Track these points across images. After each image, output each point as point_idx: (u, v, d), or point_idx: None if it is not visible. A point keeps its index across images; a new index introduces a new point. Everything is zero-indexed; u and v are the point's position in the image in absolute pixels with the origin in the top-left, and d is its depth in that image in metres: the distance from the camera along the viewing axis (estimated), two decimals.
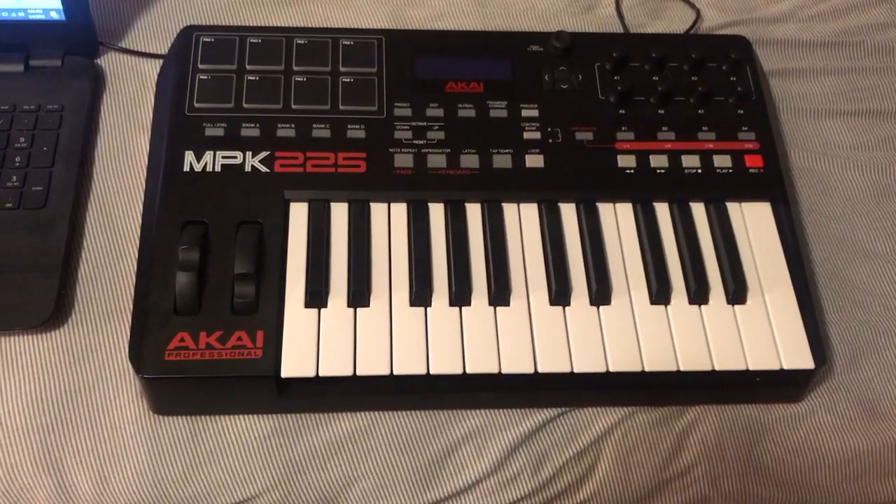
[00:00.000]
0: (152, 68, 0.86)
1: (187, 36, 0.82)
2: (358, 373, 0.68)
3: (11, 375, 0.70)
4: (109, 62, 0.87)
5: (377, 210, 0.75)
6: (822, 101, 0.92)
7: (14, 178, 0.77)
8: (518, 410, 0.72)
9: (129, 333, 0.69)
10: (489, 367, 0.69)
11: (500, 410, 0.72)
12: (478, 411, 0.72)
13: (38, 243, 0.74)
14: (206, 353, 0.67)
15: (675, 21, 0.96)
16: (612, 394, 0.73)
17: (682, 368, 0.70)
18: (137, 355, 0.66)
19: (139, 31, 0.89)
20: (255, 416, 0.71)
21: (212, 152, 0.75)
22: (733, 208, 0.78)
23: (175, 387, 0.67)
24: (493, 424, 0.72)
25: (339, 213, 0.75)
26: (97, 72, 0.85)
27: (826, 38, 0.95)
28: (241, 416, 0.71)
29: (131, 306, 0.70)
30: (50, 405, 0.70)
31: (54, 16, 0.82)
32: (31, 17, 0.82)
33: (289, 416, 0.71)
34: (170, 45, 0.84)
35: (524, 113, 0.80)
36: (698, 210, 0.78)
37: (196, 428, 0.70)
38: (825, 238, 0.83)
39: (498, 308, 0.71)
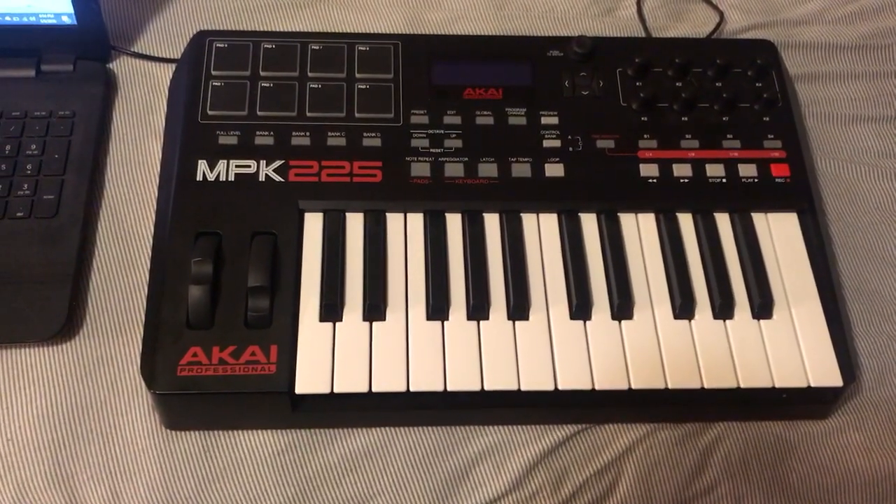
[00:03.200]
0: (165, 73, 0.85)
1: (200, 41, 0.80)
2: (374, 389, 0.66)
3: (22, 389, 0.70)
4: (122, 67, 0.86)
5: (393, 220, 0.74)
6: (850, 107, 0.89)
7: (25, 186, 0.76)
8: (537, 427, 0.71)
9: (141, 346, 0.67)
10: (508, 385, 0.67)
11: (519, 426, 0.71)
12: (496, 427, 0.71)
13: (50, 253, 0.73)
14: (219, 368, 0.65)
15: (697, 23, 0.94)
16: (634, 411, 0.71)
17: (706, 386, 0.68)
18: (149, 371, 0.65)
19: (152, 35, 0.88)
20: (269, 432, 0.69)
21: (225, 161, 0.74)
22: (759, 219, 0.76)
23: (187, 402, 0.66)
24: (511, 441, 0.70)
25: (355, 224, 0.73)
26: (109, 77, 0.84)
27: (853, 41, 0.93)
28: (254, 432, 0.69)
29: (143, 318, 0.69)
30: (61, 419, 0.69)
31: (66, 20, 0.81)
32: (43, 21, 0.81)
33: (303, 431, 0.70)
34: (182, 51, 0.82)
35: (544, 120, 0.78)
36: (723, 221, 0.76)
37: (209, 443, 0.69)
38: (852, 248, 0.81)
39: (517, 322, 0.70)
